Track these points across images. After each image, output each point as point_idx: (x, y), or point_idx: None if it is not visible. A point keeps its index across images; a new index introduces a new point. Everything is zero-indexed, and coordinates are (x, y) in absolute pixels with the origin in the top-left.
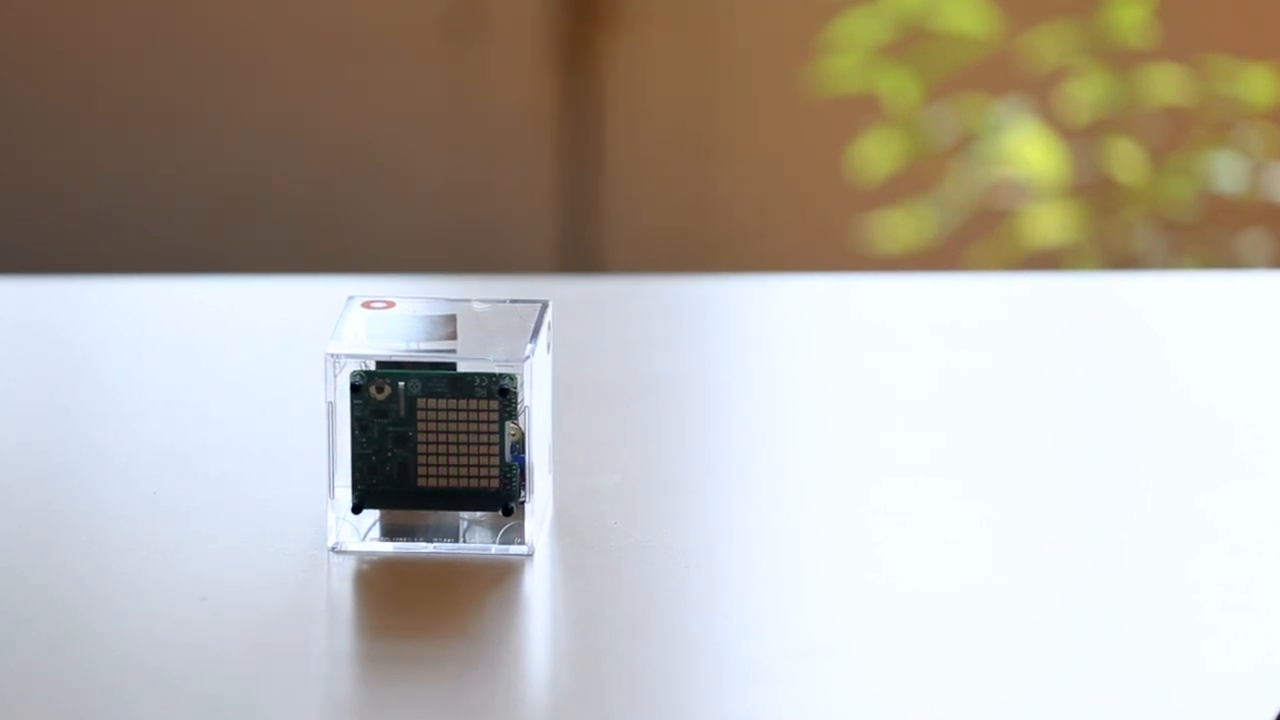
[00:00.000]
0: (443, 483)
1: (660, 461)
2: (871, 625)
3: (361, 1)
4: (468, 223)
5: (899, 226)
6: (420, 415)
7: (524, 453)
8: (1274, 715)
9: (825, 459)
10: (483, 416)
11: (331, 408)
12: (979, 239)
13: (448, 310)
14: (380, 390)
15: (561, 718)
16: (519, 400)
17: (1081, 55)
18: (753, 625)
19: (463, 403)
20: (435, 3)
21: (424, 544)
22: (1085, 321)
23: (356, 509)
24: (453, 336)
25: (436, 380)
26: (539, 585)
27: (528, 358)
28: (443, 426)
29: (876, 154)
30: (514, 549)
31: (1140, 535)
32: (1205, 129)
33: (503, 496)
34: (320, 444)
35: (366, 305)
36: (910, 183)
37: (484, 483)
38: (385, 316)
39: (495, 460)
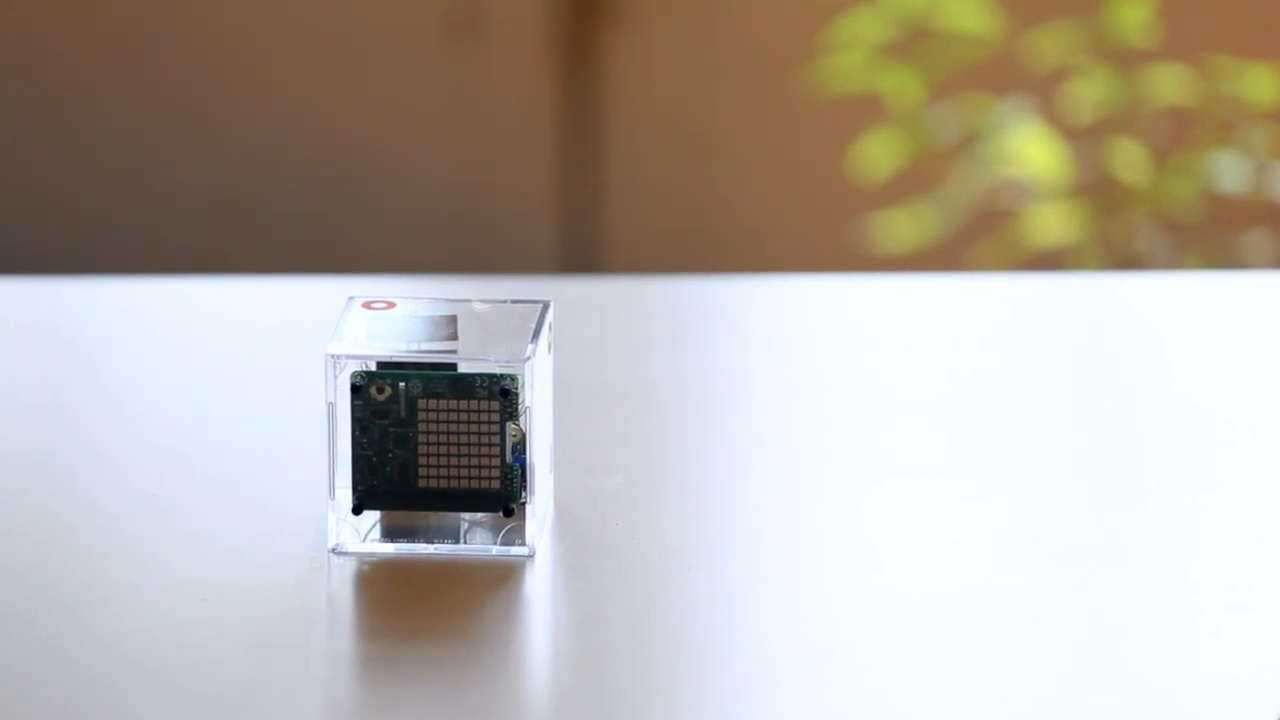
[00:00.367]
0: (443, 484)
1: (661, 462)
2: (872, 626)
3: (362, 1)
4: (468, 223)
5: (901, 226)
6: (421, 416)
7: (525, 454)
8: (1276, 717)
9: (826, 459)
10: (483, 417)
11: (332, 408)
12: (981, 239)
13: (448, 311)
14: (381, 391)
15: (562, 719)
16: (520, 401)
17: (1084, 55)
18: (754, 626)
19: (463, 403)
20: (436, 2)
21: (424, 545)
22: (1088, 322)
23: (357, 510)
24: (453, 337)
25: (437, 381)
26: (540, 586)
27: (529, 358)
28: (443, 427)
29: (878, 154)
30: (515, 550)
31: (1141, 535)
32: (1208, 129)
33: (503, 497)
34: (320, 445)
35: (367, 305)
36: (912, 183)
37: (485, 484)
38: (386, 317)
39: (496, 461)
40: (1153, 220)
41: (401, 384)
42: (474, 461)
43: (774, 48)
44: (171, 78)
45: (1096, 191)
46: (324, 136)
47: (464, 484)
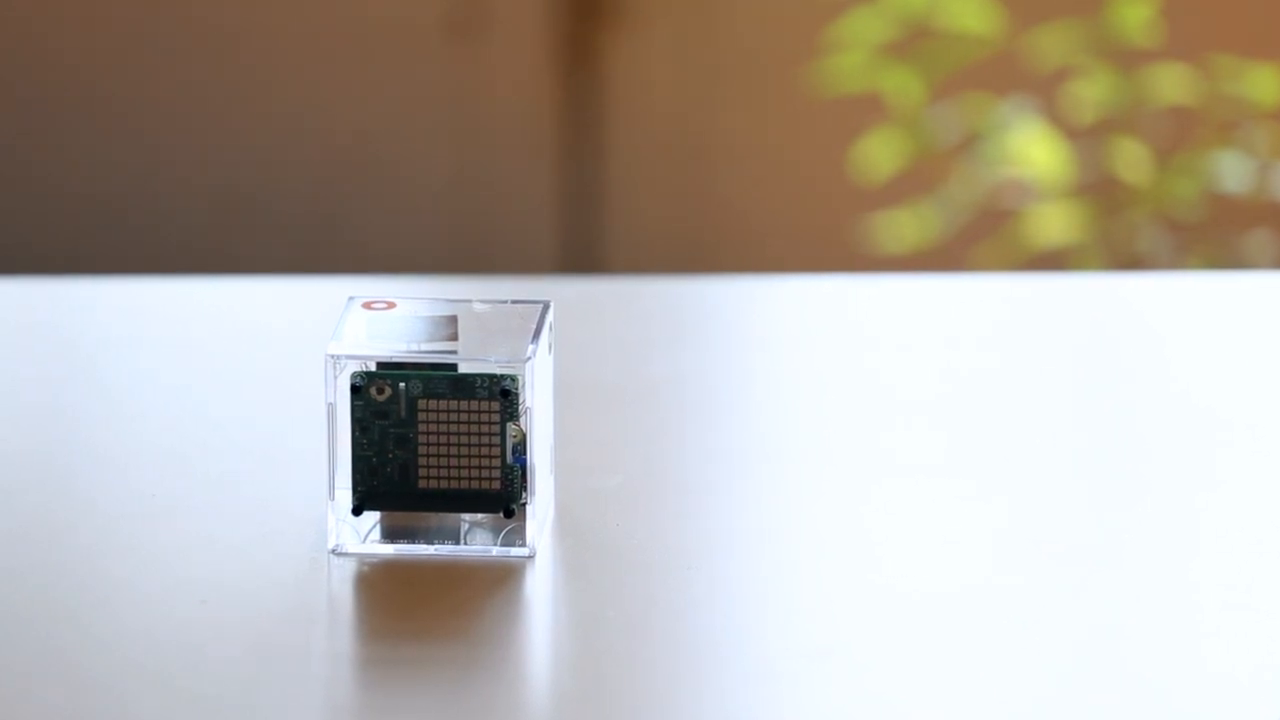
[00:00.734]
0: (444, 484)
1: (662, 463)
2: (872, 626)
3: (362, 1)
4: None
5: (902, 227)
6: (421, 416)
7: (525, 454)
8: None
9: (827, 460)
10: (484, 418)
11: (332, 409)
12: (983, 239)
13: (449, 311)
14: (381, 391)
15: None
16: (520, 401)
17: (1086, 54)
18: (754, 626)
19: (464, 404)
20: (436, 2)
21: (425, 546)
22: (1089, 322)
23: (357, 511)
24: (454, 337)
25: (437, 381)
26: (540, 587)
27: (529, 359)
28: (444, 428)
29: (880, 154)
30: (515, 551)
31: (1141, 535)
32: (1210, 129)
33: (504, 498)
34: (320, 445)
35: (367, 306)
36: (914, 183)
37: (485, 484)
38: (386, 317)
39: (496, 462)
40: (1154, 220)
41: (401, 384)
42: (474, 462)
43: (775, 48)
44: (172, 78)
45: (1098, 191)
46: (324, 137)
47: (464, 485)
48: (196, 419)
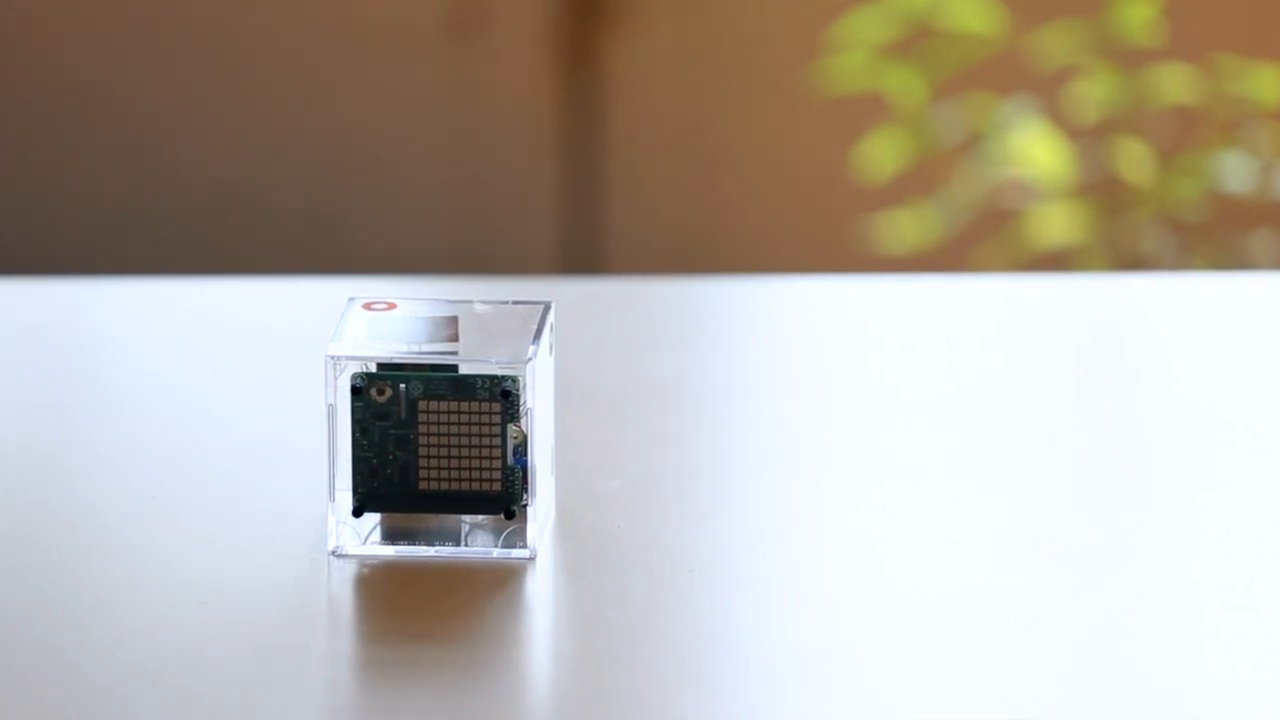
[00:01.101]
0: (444, 486)
1: (663, 464)
2: (874, 627)
3: (362, 1)
4: (469, 223)
5: (905, 227)
6: (421, 417)
7: (526, 455)
8: None
9: (829, 461)
10: (484, 419)
11: (332, 410)
12: (985, 240)
13: (449, 311)
14: (381, 392)
15: None
16: (521, 402)
17: (1089, 54)
18: (756, 627)
19: (464, 405)
20: (437, 2)
21: (425, 548)
22: (1092, 323)
23: (357, 512)
24: (454, 338)
25: (438, 382)
26: (541, 589)
27: (530, 359)
28: (444, 429)
29: (882, 154)
30: (516, 553)
31: (1142, 535)
32: (1214, 129)
33: (505, 500)
34: (320, 446)
35: (367, 306)
36: (916, 183)
37: (486, 486)
38: (386, 318)
39: (497, 463)
40: (1157, 221)
41: (402, 385)
42: (475, 463)
43: (776, 47)
44: (172, 78)
45: (1101, 192)
46: (325, 137)
47: (465, 486)
48: (196, 419)
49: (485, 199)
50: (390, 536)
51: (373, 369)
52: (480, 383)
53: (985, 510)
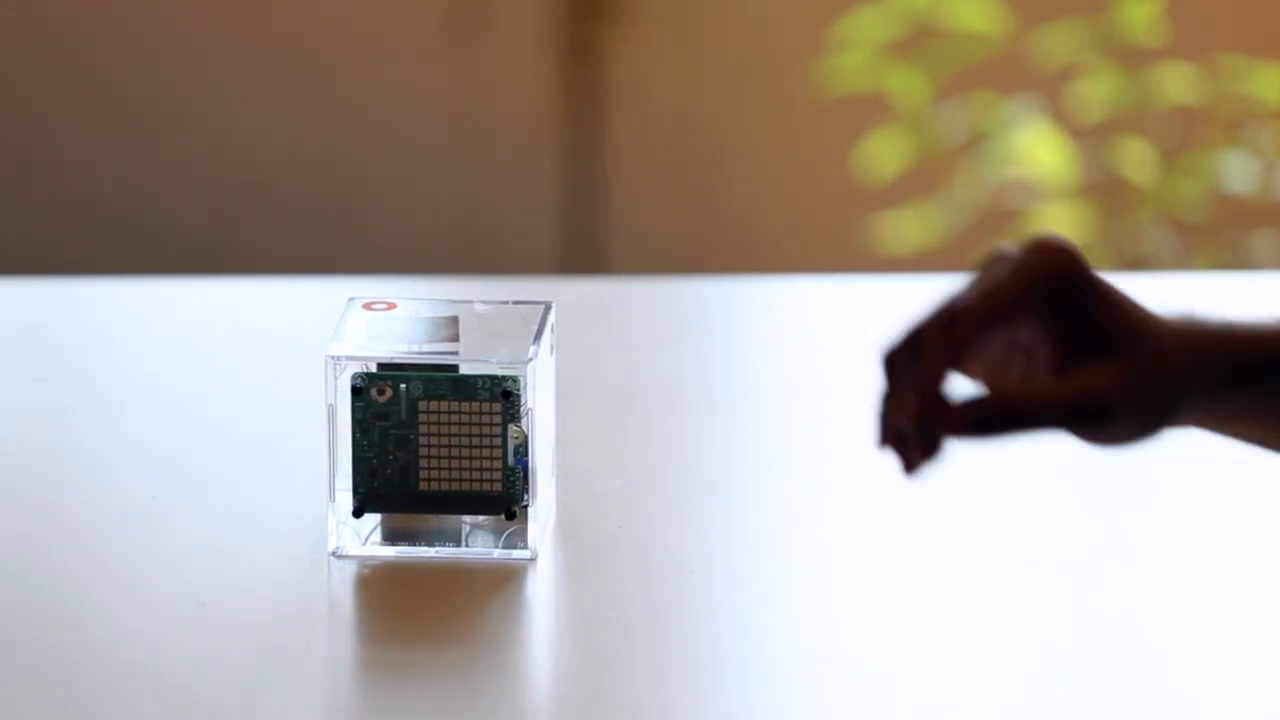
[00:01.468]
0: (444, 486)
1: (665, 465)
2: (875, 628)
3: (364, 1)
4: (470, 223)
5: (907, 227)
6: (422, 418)
7: (527, 456)
8: None
9: (830, 461)
10: (485, 419)
11: (332, 410)
12: (988, 239)
13: (450, 311)
14: (381, 392)
15: None
16: (522, 403)
17: (1092, 54)
18: (757, 629)
19: (465, 405)
20: (438, 2)
21: (426, 548)
22: None
23: (357, 513)
24: (455, 338)
25: (438, 382)
26: (542, 590)
27: (531, 360)
28: (445, 429)
29: (884, 153)
30: (517, 553)
31: (1144, 537)
32: (1216, 128)
33: (505, 500)
34: (320, 447)
35: (367, 306)
36: (918, 182)
37: (486, 486)
38: (387, 318)
39: (498, 463)
40: (1160, 220)
41: (402, 385)
42: (475, 464)
43: (778, 47)
44: (173, 78)
45: (1104, 191)
46: (326, 137)
47: (465, 486)
48: (196, 419)
49: (486, 199)
50: (390, 537)
51: (373, 369)
52: (481, 383)
53: (986, 510)
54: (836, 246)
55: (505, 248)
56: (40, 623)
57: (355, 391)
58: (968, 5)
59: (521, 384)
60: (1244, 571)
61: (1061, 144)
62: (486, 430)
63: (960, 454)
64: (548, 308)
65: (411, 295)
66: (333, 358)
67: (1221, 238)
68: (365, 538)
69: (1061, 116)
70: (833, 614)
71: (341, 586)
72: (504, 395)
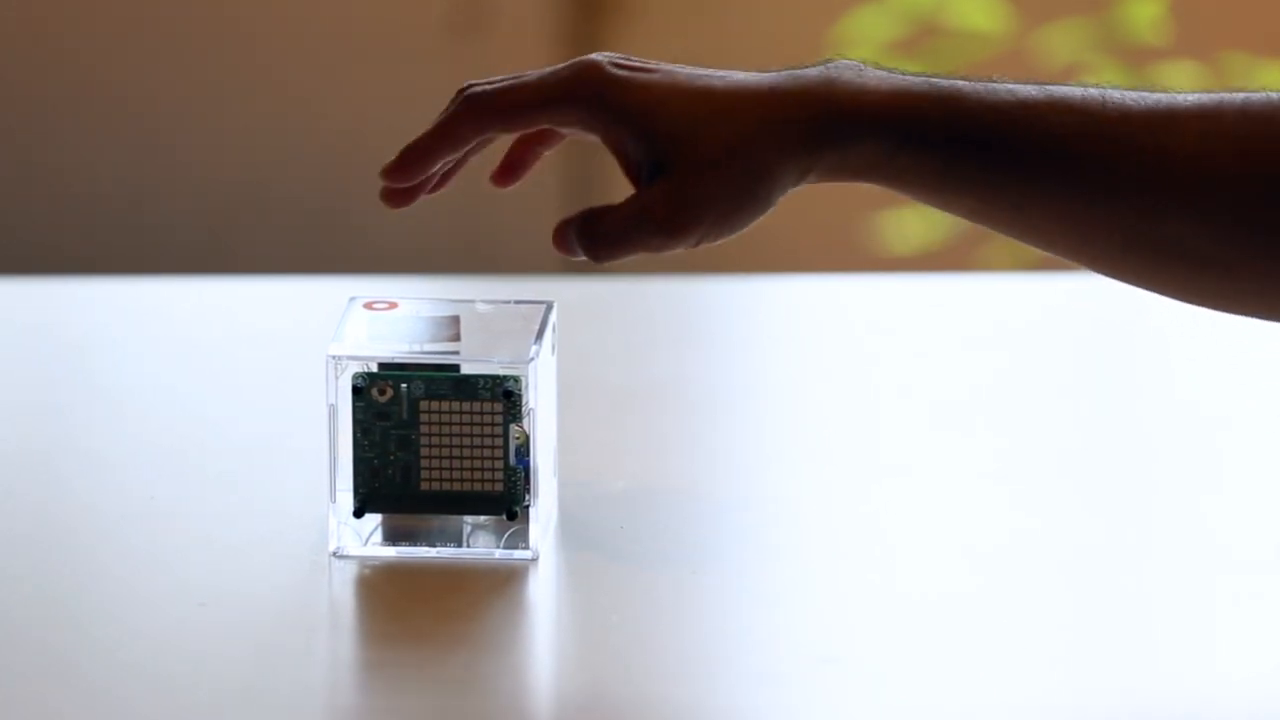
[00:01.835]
0: (446, 486)
1: (667, 465)
2: (878, 629)
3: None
4: (471, 222)
5: (908, 226)
6: (423, 418)
7: (528, 456)
8: None
9: (831, 461)
10: (486, 419)
11: (333, 410)
12: (990, 239)
13: (451, 311)
14: (382, 392)
15: None
16: (523, 403)
17: (1095, 52)
18: (760, 630)
19: (466, 405)
20: (438, 1)
21: (427, 549)
22: (1097, 322)
23: (358, 513)
24: (456, 338)
25: (440, 382)
26: (543, 591)
27: (532, 359)
28: (446, 429)
29: None
30: (518, 554)
31: (1147, 536)
32: None
33: (507, 500)
34: (321, 447)
35: (368, 306)
36: None
37: (488, 486)
38: (388, 317)
39: (499, 464)
40: None
41: (403, 385)
42: (477, 464)
43: (781, 45)
44: (173, 78)
45: None
46: (326, 136)
47: (466, 487)
48: (196, 419)
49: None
50: (391, 537)
51: (374, 369)
52: (482, 383)
53: (988, 510)
54: (839, 245)
55: (506, 247)
56: (40, 623)
57: (356, 391)
58: (971, 4)
59: (523, 384)
60: (1244, 571)
61: None
62: (488, 430)
63: (963, 453)
64: (549, 307)
65: (412, 295)
66: (333, 357)
67: None
68: (366, 538)
69: None
70: (834, 614)
71: (342, 587)
72: (505, 395)
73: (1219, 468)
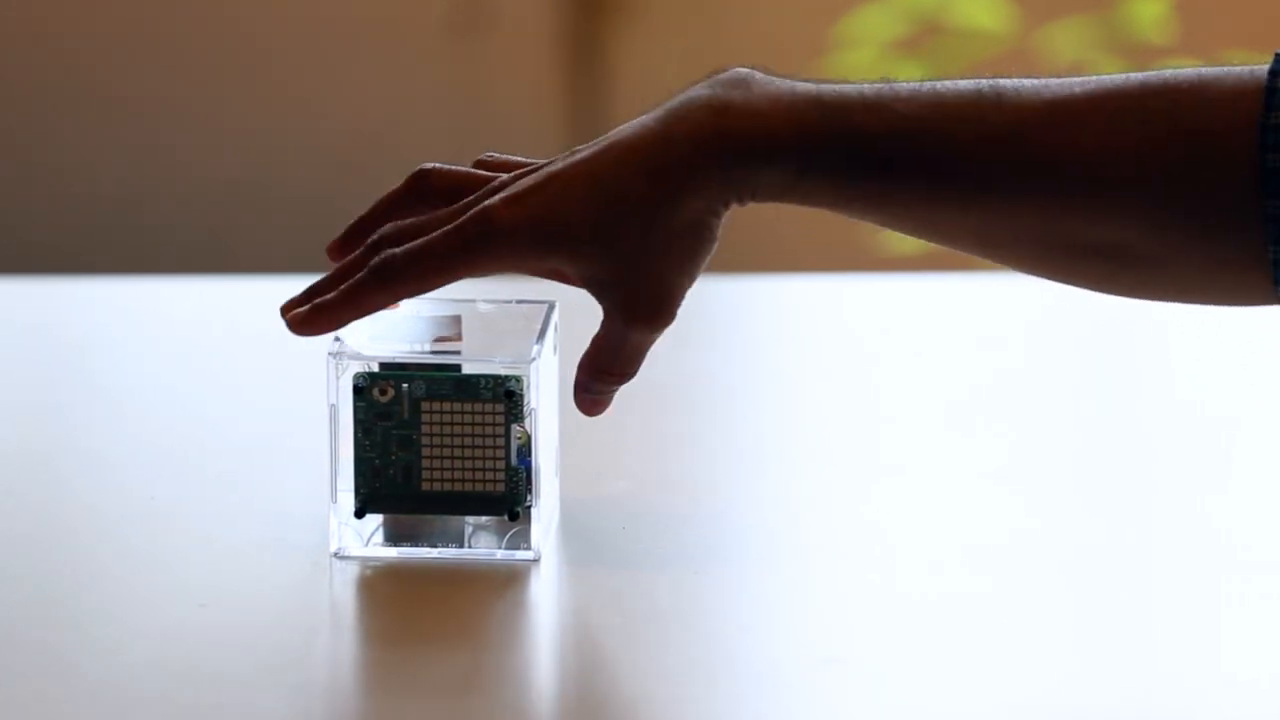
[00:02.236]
0: (447, 486)
1: (669, 465)
2: (880, 630)
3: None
4: None
5: None
6: (425, 418)
7: (530, 456)
8: None
9: (833, 461)
10: (488, 419)
11: (334, 410)
12: None
13: (453, 311)
14: (384, 392)
15: None
16: (525, 403)
17: (1099, 51)
18: (761, 630)
19: (468, 405)
20: (439, 1)
21: (428, 549)
22: (1098, 322)
23: (359, 513)
24: (458, 337)
25: (441, 382)
26: (545, 591)
27: (534, 359)
28: (447, 429)
29: None
30: (520, 554)
31: (1154, 538)
32: None
33: (508, 500)
34: (322, 447)
35: None
36: None
37: (489, 486)
38: (389, 317)
39: (501, 464)
40: None
41: (405, 385)
42: (478, 464)
43: (783, 44)
44: (174, 78)
45: None
46: (328, 136)
47: (468, 487)
48: (196, 419)
49: None
50: (393, 538)
51: (375, 369)
52: (484, 383)
53: (990, 510)
54: (841, 245)
55: None
56: (40, 623)
57: (357, 391)
58: (974, 3)
59: (525, 384)
60: (1247, 571)
61: None
62: (489, 430)
63: (965, 453)
64: (551, 307)
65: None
66: (335, 357)
67: None
68: (367, 538)
69: None
70: (835, 614)
71: (343, 587)
72: (507, 395)
73: (1220, 467)
